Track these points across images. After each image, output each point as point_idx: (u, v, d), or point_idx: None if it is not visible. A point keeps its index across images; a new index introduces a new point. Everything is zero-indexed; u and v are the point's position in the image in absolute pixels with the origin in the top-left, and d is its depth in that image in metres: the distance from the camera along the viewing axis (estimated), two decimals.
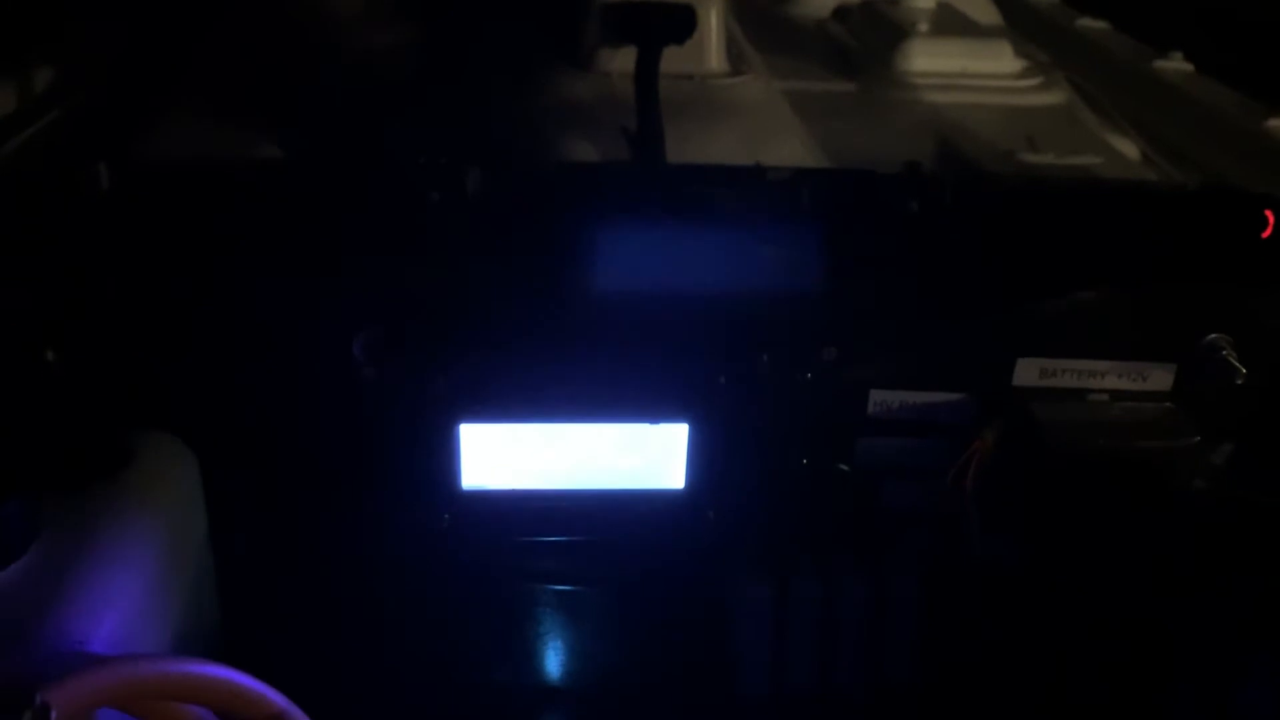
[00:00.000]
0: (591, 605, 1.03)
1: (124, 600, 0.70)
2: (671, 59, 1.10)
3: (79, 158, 0.92)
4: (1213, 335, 0.90)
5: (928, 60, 1.32)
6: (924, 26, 1.35)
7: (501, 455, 0.92)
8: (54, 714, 0.54)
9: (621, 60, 1.16)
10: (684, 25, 1.14)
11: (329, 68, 1.23)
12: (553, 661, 1.04)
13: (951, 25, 1.39)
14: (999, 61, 1.33)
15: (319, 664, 0.88)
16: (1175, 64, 1.43)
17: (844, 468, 0.95)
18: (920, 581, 1.00)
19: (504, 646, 1.04)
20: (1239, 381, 0.89)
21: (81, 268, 0.84)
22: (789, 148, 1.11)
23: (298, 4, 1.38)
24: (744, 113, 1.18)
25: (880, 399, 0.93)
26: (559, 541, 0.97)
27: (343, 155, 1.00)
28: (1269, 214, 0.92)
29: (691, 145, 1.05)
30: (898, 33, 1.34)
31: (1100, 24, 1.61)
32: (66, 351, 0.84)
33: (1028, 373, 0.92)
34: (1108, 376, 0.92)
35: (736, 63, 1.26)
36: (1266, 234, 0.92)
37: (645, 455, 0.93)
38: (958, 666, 1.02)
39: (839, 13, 1.52)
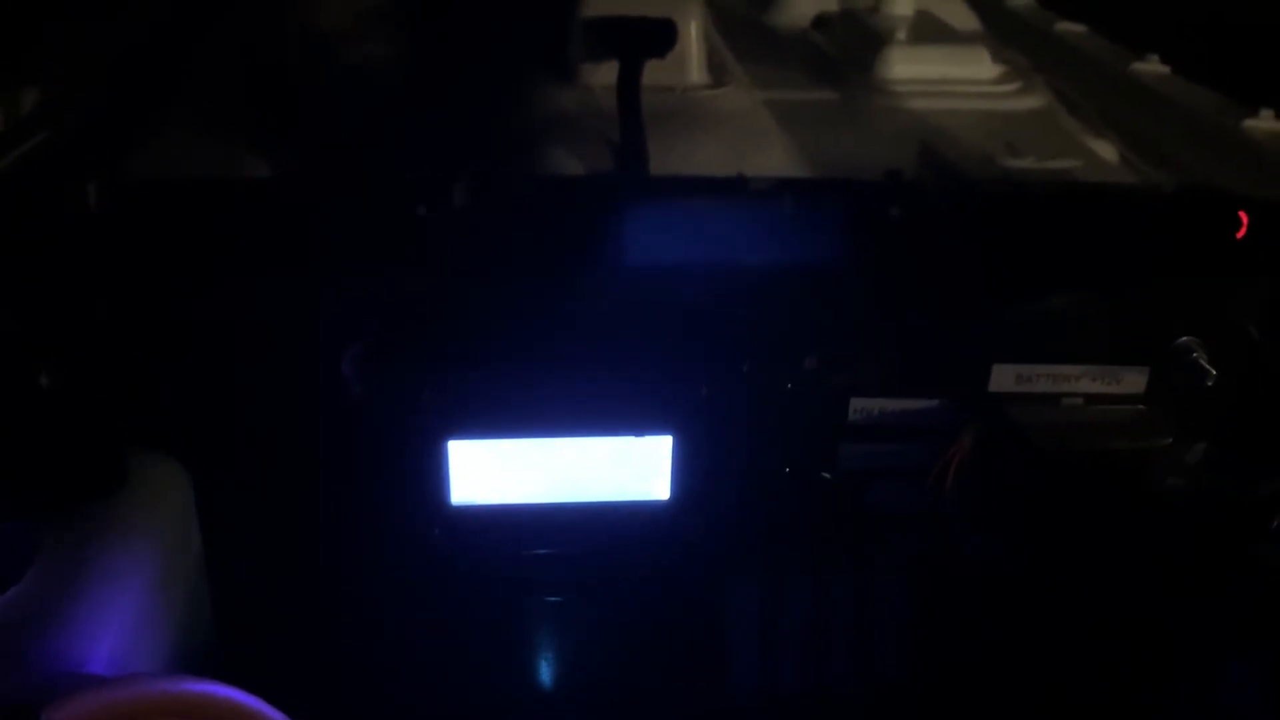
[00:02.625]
0: (582, 615, 1.04)
1: (122, 620, 0.72)
2: (654, 71, 1.11)
3: (67, 178, 0.93)
4: (1184, 338, 0.92)
5: (907, 67, 1.32)
6: (903, 34, 1.36)
7: (490, 470, 0.93)
8: None
9: (604, 73, 1.17)
10: (665, 39, 1.15)
11: (315, 84, 1.24)
12: (546, 672, 1.06)
13: (930, 32, 1.40)
14: (978, 67, 1.33)
15: (315, 680, 0.89)
16: (1152, 66, 1.43)
17: (826, 475, 0.96)
18: (907, 581, 1.02)
19: (497, 658, 1.05)
20: (1209, 383, 0.90)
21: (72, 289, 0.85)
22: (772, 157, 1.12)
23: (285, 21, 1.39)
24: (726, 123, 1.18)
25: (860, 406, 0.94)
26: (548, 554, 0.99)
27: (330, 171, 1.01)
28: (1243, 215, 0.93)
29: (675, 157, 1.05)
30: (877, 40, 1.35)
31: (1078, 27, 1.61)
32: (59, 373, 0.85)
33: (1004, 378, 0.93)
34: (1082, 380, 0.94)
35: (718, 74, 1.27)
36: (1241, 235, 0.93)
37: (631, 467, 0.94)
38: (946, 664, 1.04)
39: (819, 22, 1.53)
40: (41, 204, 0.88)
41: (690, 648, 1.04)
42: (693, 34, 1.23)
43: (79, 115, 1.16)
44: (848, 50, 1.41)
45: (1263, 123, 1.23)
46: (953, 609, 1.02)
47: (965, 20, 1.54)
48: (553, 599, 1.03)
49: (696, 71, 1.24)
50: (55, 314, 0.85)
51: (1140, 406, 0.94)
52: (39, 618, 0.68)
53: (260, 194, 0.95)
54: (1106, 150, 1.22)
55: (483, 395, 0.91)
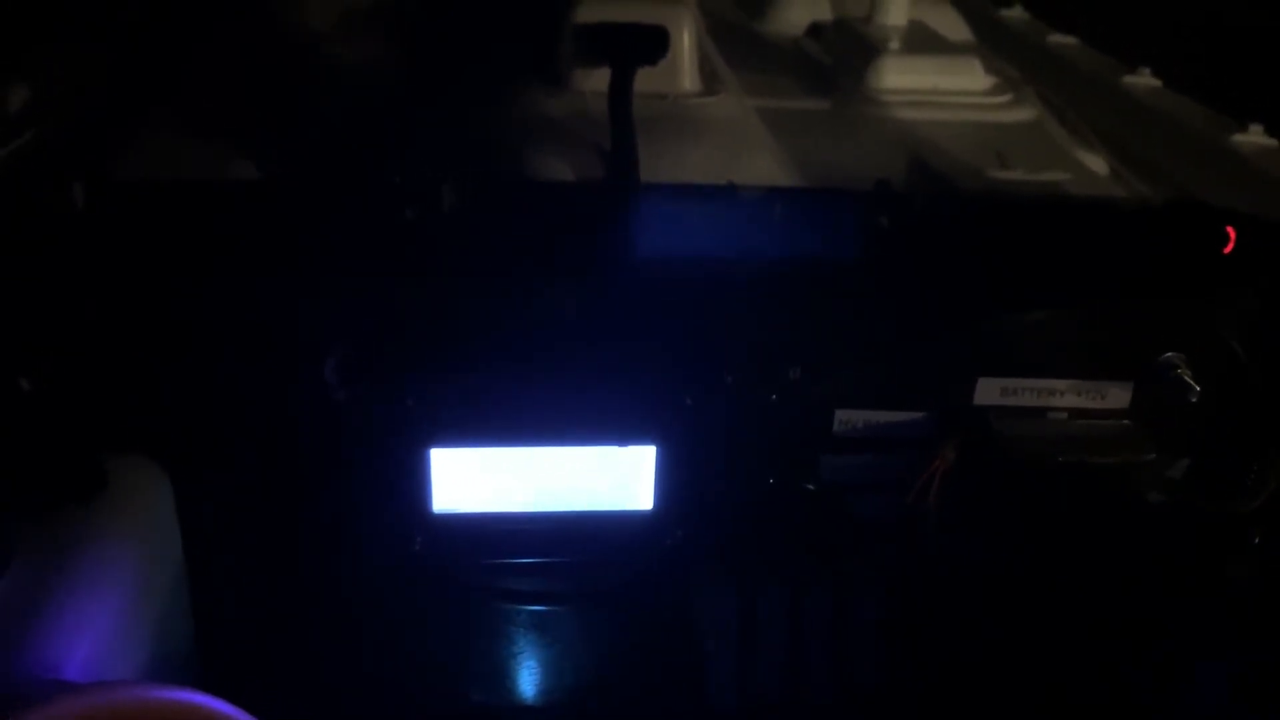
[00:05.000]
0: (563, 625, 1.04)
1: (98, 626, 0.71)
2: (646, 78, 1.11)
3: (51, 177, 0.93)
4: (1168, 354, 0.92)
5: (899, 78, 1.32)
6: (896, 44, 1.36)
7: (472, 479, 0.93)
8: None
9: (596, 79, 1.16)
10: (657, 45, 1.15)
11: (305, 87, 1.24)
12: (527, 680, 1.05)
13: (923, 43, 1.40)
14: (970, 78, 1.34)
15: (295, 688, 0.89)
16: (1144, 79, 1.44)
17: (810, 486, 0.96)
18: (887, 593, 1.02)
19: (477, 667, 1.05)
20: (1193, 399, 0.91)
21: (53, 290, 0.84)
22: (762, 166, 1.12)
23: (275, 24, 1.39)
24: (718, 131, 1.19)
25: (845, 418, 0.94)
26: (530, 563, 0.98)
27: (315, 175, 1.01)
28: (1230, 230, 0.93)
29: (665, 164, 1.05)
30: (870, 50, 1.35)
31: (1070, 40, 1.62)
32: (39, 376, 0.84)
33: (989, 392, 0.94)
34: (1066, 395, 0.94)
35: (710, 81, 1.27)
36: (1228, 250, 0.93)
37: (614, 477, 0.94)
38: (926, 676, 1.04)
39: (813, 30, 1.53)
40: (23, 203, 0.88)
41: (672, 657, 1.04)
42: (685, 41, 1.22)
43: (66, 115, 1.15)
44: (840, 59, 1.41)
45: (1252, 137, 1.23)
46: (933, 621, 1.03)
47: (958, 31, 1.54)
48: (534, 608, 1.03)
49: (688, 79, 1.24)
50: (35, 316, 0.84)
51: (1124, 421, 0.95)
52: (13, 623, 0.68)
53: (244, 196, 0.95)
54: (1096, 163, 1.22)
55: (465, 403, 0.90)
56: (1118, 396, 0.94)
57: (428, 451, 0.91)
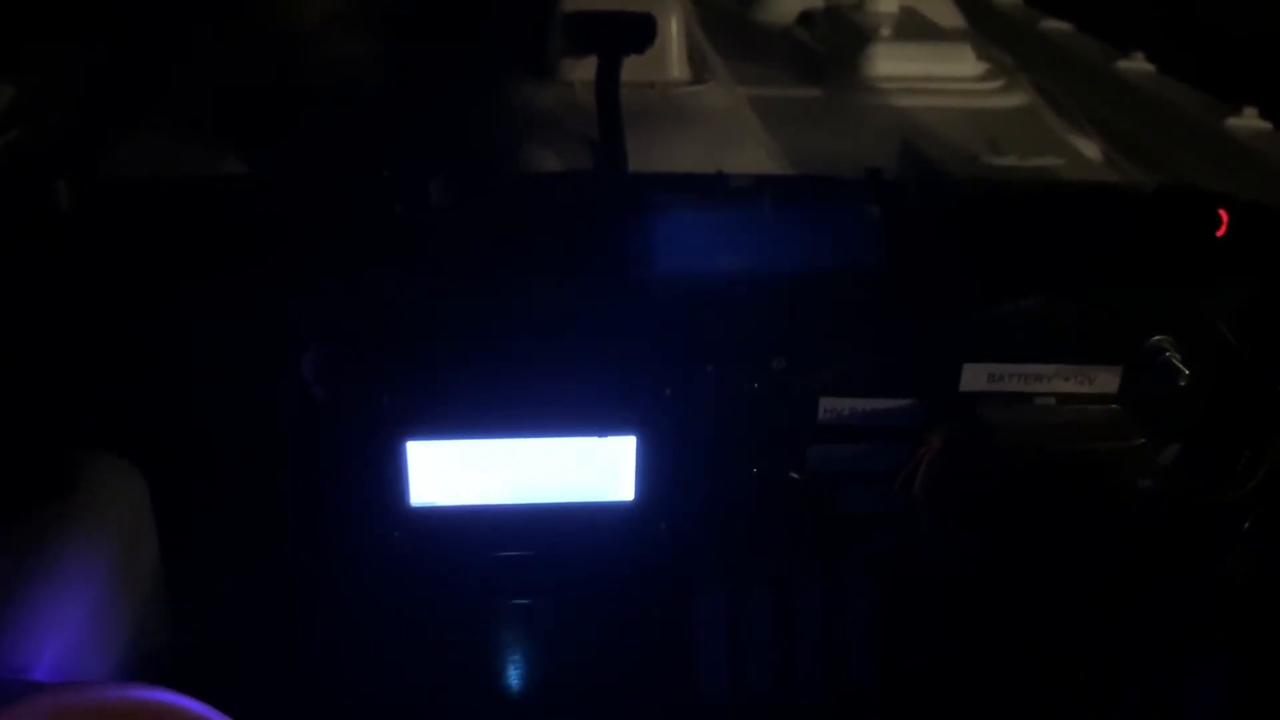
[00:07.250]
0: (547, 618, 1.03)
1: (68, 626, 0.70)
2: (634, 67, 1.10)
3: (33, 176, 0.92)
4: (1156, 338, 0.91)
5: (891, 65, 1.31)
6: (887, 31, 1.35)
7: (449, 472, 0.92)
8: None
9: (584, 69, 1.15)
10: (644, 34, 1.14)
11: (291, 84, 1.24)
12: (509, 675, 1.05)
13: (914, 29, 1.39)
14: (962, 65, 1.33)
15: (275, 685, 0.89)
16: (1137, 64, 1.43)
17: (794, 475, 0.95)
18: (875, 584, 1.01)
19: (459, 662, 1.04)
20: (1182, 383, 0.90)
21: (24, 286, 0.84)
22: (753, 155, 1.11)
23: (262, 21, 1.39)
24: (707, 120, 1.18)
25: (830, 406, 0.93)
26: (511, 556, 0.98)
27: (295, 173, 1.01)
28: (1223, 213, 0.92)
29: (654, 154, 1.05)
30: (861, 37, 1.34)
31: (1063, 25, 1.61)
32: (10, 372, 0.84)
33: (975, 378, 0.93)
34: (1054, 380, 0.93)
35: (699, 70, 1.26)
36: (1221, 233, 0.93)
37: (594, 468, 0.93)
38: (914, 668, 1.03)
39: (803, 18, 1.52)
40: (6, 202, 0.88)
41: (656, 651, 1.03)
42: (673, 29, 1.21)
43: (50, 114, 1.15)
44: (832, 47, 1.40)
45: (1246, 121, 1.22)
46: (921, 612, 1.02)
47: (950, 17, 1.53)
48: (516, 602, 1.02)
49: (677, 67, 1.23)
50: (8, 312, 0.84)
51: (1113, 406, 0.94)
52: None
53: (224, 194, 0.95)
54: (1090, 148, 1.21)
55: (442, 395, 0.90)
56: (1106, 381, 0.93)
57: (404, 444, 0.90)
